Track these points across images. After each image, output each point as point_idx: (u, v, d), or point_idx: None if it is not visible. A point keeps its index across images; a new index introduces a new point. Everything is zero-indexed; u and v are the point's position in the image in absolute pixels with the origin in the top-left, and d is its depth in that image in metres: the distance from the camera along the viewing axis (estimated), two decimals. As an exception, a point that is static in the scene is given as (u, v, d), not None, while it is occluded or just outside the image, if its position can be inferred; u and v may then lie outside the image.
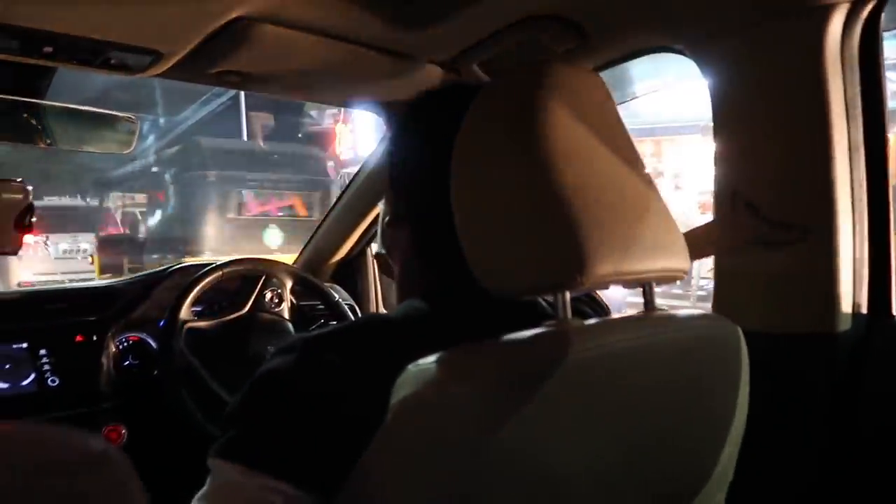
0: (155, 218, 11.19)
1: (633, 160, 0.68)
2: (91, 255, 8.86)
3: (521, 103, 0.64)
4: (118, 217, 11.61)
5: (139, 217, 11.59)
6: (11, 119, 1.26)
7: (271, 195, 7.27)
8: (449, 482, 0.56)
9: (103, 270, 8.31)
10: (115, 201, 12.15)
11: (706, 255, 1.14)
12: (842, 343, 1.01)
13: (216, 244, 7.49)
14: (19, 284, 7.75)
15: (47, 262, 8.69)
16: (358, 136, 11.23)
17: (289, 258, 1.98)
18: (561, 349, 0.57)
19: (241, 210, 7.31)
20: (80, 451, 0.31)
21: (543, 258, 0.61)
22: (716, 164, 1.09)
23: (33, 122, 1.26)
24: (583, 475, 0.61)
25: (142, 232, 11.14)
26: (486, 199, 0.64)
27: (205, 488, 0.64)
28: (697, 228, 1.16)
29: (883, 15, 1.01)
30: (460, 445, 0.55)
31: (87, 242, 9.45)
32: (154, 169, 11.66)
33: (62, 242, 9.21)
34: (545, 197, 0.61)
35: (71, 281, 7.33)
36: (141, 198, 11.96)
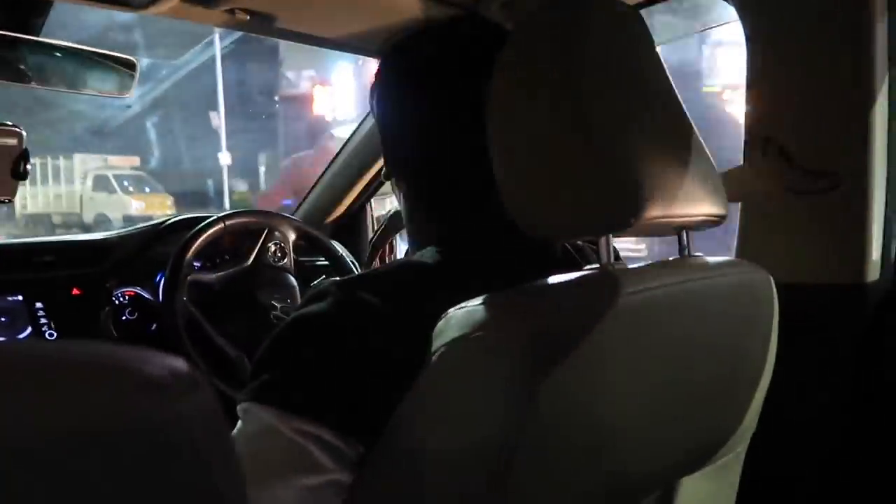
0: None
1: (673, 102, 0.66)
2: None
3: (562, 42, 0.61)
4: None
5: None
6: (2, 58, 1.19)
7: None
8: (496, 425, 0.54)
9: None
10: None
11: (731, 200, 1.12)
12: (870, 293, 1.01)
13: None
14: None
15: None
16: (337, 98, 11.09)
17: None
18: (609, 292, 0.56)
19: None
20: (174, 373, 0.28)
21: (592, 201, 0.59)
22: (748, 110, 1.07)
23: (27, 61, 1.19)
24: (625, 423, 0.60)
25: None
26: (527, 142, 0.62)
27: (234, 432, 0.61)
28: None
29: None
30: (511, 388, 0.54)
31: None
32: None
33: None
34: (591, 139, 0.59)
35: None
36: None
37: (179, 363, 0.29)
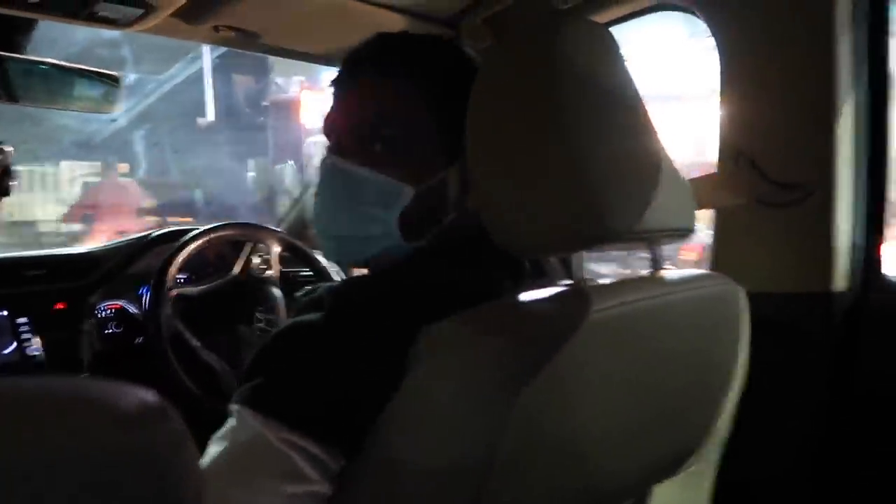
0: None
1: (643, 117, 0.67)
2: None
3: (536, 60, 0.63)
4: None
5: None
6: (-10, 75, 1.19)
7: None
8: (474, 439, 0.56)
9: None
10: None
11: (703, 207, 1.14)
12: (840, 301, 1.04)
13: None
14: None
15: None
16: (326, 102, 11.00)
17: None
18: (584, 307, 0.57)
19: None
20: (145, 405, 0.30)
21: (564, 217, 0.60)
22: (721, 123, 1.10)
23: (13, 78, 1.19)
24: (599, 434, 0.62)
25: None
26: (503, 159, 0.63)
27: (224, 431, 0.63)
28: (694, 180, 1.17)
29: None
30: (488, 402, 0.55)
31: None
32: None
33: None
34: (564, 155, 0.60)
35: None
36: None
37: (150, 395, 0.31)
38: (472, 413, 0.56)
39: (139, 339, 1.55)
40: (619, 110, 0.65)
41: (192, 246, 1.45)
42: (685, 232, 0.69)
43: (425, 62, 0.78)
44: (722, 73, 1.09)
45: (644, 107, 0.68)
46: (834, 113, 1.01)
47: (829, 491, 1.05)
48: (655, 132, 0.68)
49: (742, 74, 1.08)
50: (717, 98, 1.11)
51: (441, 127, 0.75)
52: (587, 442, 0.61)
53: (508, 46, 0.66)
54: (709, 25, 1.09)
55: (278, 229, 1.74)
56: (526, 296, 0.61)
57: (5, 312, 1.39)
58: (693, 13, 1.11)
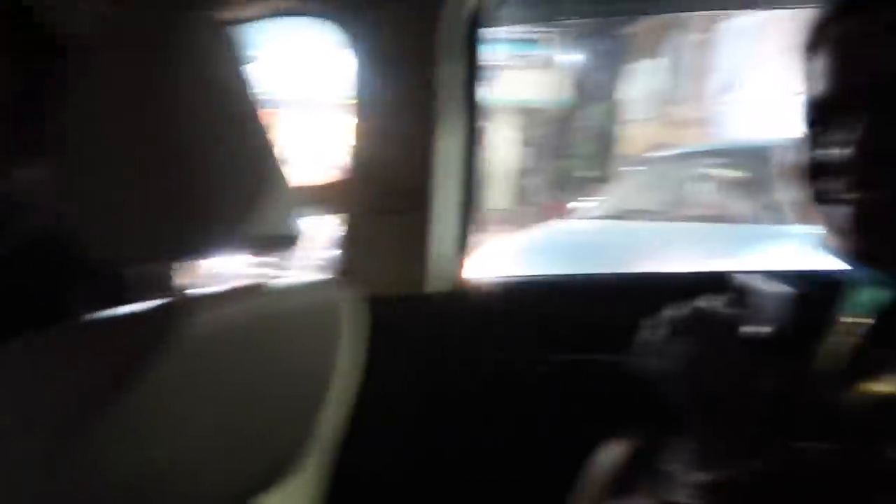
0: None
1: (255, 122, 0.67)
2: None
3: (147, 53, 0.58)
4: None
5: None
6: None
7: None
8: (36, 486, 0.49)
9: None
10: None
11: (328, 212, 1.22)
12: (434, 302, 1.17)
13: None
14: None
15: None
16: None
17: None
18: (176, 322, 0.54)
19: None
20: None
21: (162, 224, 0.56)
22: (350, 128, 1.17)
23: None
24: (196, 455, 0.60)
25: None
26: (102, 158, 0.57)
27: None
28: (320, 187, 1.24)
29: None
30: (53, 442, 0.49)
31: None
32: None
33: None
34: (165, 158, 0.56)
35: None
36: None
37: None
38: (27, 460, 0.49)
39: None
40: (230, 114, 0.64)
41: None
42: (290, 240, 0.69)
43: (2, 33, 0.66)
44: (355, 82, 1.17)
45: (256, 109, 0.66)
46: (437, 130, 1.14)
47: (447, 483, 1.14)
48: (267, 138, 0.67)
49: (370, 85, 1.16)
50: (348, 107, 1.18)
51: (22, 112, 0.65)
52: (183, 462, 0.58)
53: (119, 34, 0.60)
54: (344, 36, 1.16)
55: None
56: (109, 313, 0.55)
57: None
58: (330, 22, 1.17)
